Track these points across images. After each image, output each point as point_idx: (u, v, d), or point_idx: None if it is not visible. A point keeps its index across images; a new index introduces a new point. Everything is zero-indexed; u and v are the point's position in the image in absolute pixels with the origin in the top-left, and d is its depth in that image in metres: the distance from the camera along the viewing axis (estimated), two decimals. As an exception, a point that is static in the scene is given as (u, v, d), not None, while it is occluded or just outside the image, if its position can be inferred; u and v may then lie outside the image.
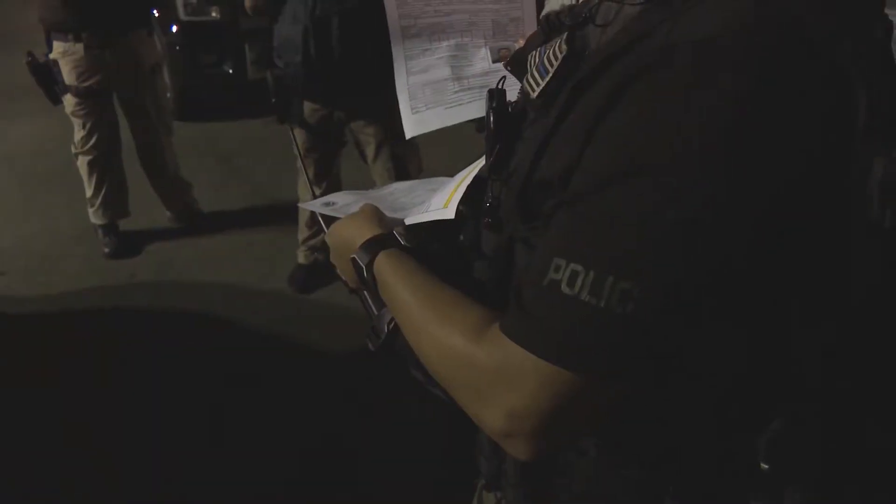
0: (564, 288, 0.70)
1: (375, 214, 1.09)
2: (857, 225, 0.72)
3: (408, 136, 1.47)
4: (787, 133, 0.66)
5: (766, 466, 0.83)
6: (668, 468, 0.89)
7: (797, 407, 0.81)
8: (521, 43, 1.24)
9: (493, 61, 1.37)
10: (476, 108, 1.36)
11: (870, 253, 0.74)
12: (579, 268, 0.69)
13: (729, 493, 0.88)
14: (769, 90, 0.66)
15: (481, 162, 1.07)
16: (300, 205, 1.56)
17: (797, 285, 0.73)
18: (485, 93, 0.98)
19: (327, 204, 1.29)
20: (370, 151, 3.43)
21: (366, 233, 1.04)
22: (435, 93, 1.41)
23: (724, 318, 0.71)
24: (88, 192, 4.13)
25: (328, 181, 3.53)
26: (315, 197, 1.64)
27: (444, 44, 1.38)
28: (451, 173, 1.17)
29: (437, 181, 1.28)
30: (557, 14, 0.94)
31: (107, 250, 4.15)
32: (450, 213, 1.04)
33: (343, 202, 1.29)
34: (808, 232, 0.70)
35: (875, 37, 0.74)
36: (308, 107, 3.36)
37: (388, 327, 1.03)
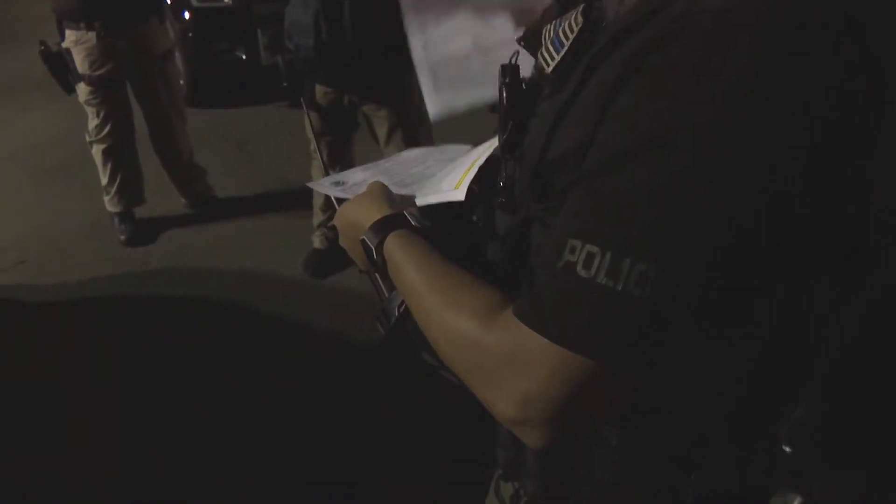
0: (580, 270, 0.67)
1: (384, 193, 1.07)
2: (881, 208, 0.70)
3: (432, 118, 1.37)
4: (807, 109, 0.63)
5: (789, 450, 0.82)
6: (690, 458, 0.87)
7: (818, 391, 0.80)
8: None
9: (516, 27, 1.31)
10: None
11: (891, 235, 0.72)
12: (595, 249, 0.67)
13: (752, 481, 0.86)
14: (791, 63, 0.62)
15: (495, 142, 1.04)
16: (309, 184, 1.51)
17: (819, 265, 0.70)
18: None
19: (337, 183, 1.27)
20: (382, 134, 3.42)
21: (375, 213, 1.02)
22: (458, 67, 1.33)
23: (745, 301, 0.69)
24: (104, 181, 4.13)
25: (342, 164, 3.50)
26: None
27: (461, 10, 1.31)
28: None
29: (450, 149, 1.25)
30: None
31: (123, 238, 4.16)
32: (460, 195, 1.01)
33: (353, 180, 1.26)
34: (829, 211, 0.67)
35: None
36: (320, 90, 3.34)
37: (398, 310, 1.01)
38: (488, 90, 1.22)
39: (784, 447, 0.82)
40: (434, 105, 1.33)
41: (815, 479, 0.83)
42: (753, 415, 0.83)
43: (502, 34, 1.25)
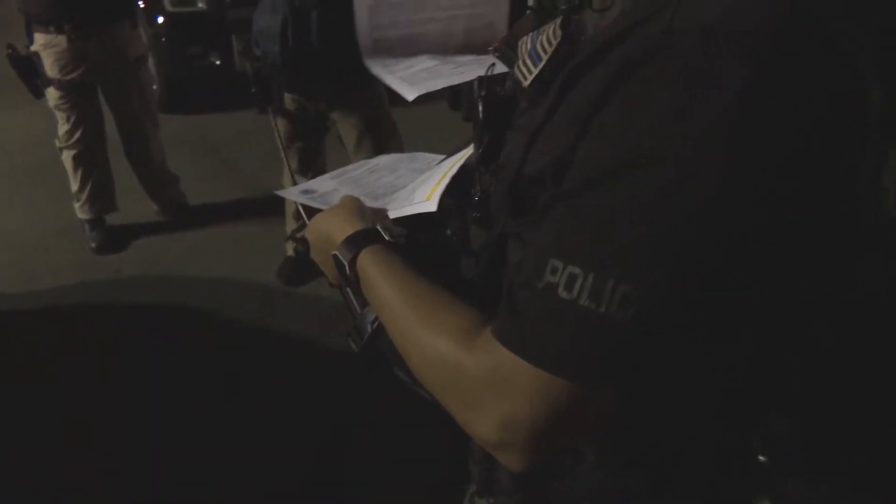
0: (562, 292, 0.66)
1: (357, 207, 1.05)
2: (869, 219, 0.69)
3: (410, 98, 1.30)
4: (793, 125, 0.62)
5: (764, 459, 0.81)
6: (668, 472, 0.86)
7: (793, 400, 0.79)
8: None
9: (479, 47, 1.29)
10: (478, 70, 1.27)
11: (881, 247, 0.71)
12: (577, 270, 0.65)
13: (728, 492, 0.86)
14: (776, 80, 0.61)
15: (468, 151, 1.03)
16: (279, 192, 1.49)
17: (803, 281, 0.69)
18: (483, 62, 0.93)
19: (306, 192, 1.25)
20: (351, 141, 3.41)
21: (347, 228, 1.00)
22: (430, 74, 1.30)
23: (728, 319, 0.68)
24: (74, 187, 4.08)
25: (314, 170, 3.49)
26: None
27: (421, 56, 1.29)
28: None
29: (421, 157, 1.24)
30: None
31: (93, 245, 4.11)
32: (432, 206, 1.00)
33: (323, 189, 1.24)
34: (817, 225, 0.66)
35: (893, 30, 0.70)
36: (288, 97, 3.33)
37: (371, 327, 1.00)
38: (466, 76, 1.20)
39: (759, 457, 0.82)
40: (410, 92, 1.29)
41: (789, 486, 0.82)
42: (730, 427, 0.82)
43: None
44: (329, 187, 1.24)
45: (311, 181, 1.32)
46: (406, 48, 1.26)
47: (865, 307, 0.75)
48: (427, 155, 1.28)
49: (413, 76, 1.25)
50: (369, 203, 1.10)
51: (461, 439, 0.92)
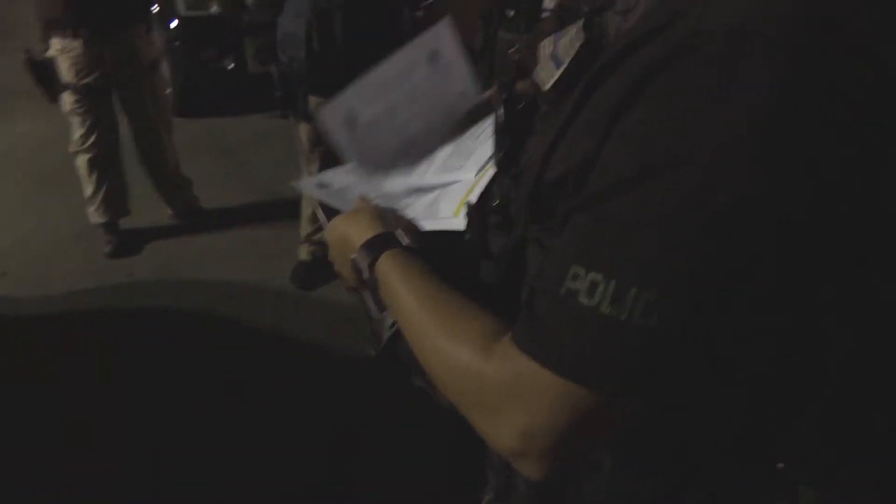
0: (583, 299, 0.65)
1: (377, 211, 1.05)
2: (892, 224, 0.67)
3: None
4: (821, 129, 0.61)
5: (782, 465, 0.81)
6: (685, 479, 0.85)
7: (812, 407, 0.78)
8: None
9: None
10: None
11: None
12: (599, 277, 0.64)
13: (748, 499, 0.85)
14: (804, 83, 0.60)
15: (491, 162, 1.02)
16: (295, 183, 1.48)
17: (825, 285, 0.68)
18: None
19: (321, 185, 1.24)
20: None
21: (367, 231, 0.99)
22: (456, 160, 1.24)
23: (749, 327, 0.67)
24: (88, 191, 4.09)
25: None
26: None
27: (420, 164, 1.23)
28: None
29: (442, 158, 1.22)
30: None
31: (107, 249, 4.11)
32: (460, 224, 0.99)
33: (339, 184, 1.23)
34: (841, 230, 0.65)
35: None
36: (313, 100, 3.32)
37: (389, 332, 0.99)
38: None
39: (777, 464, 0.81)
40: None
41: (809, 493, 0.82)
42: (748, 433, 0.81)
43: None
44: (345, 182, 1.23)
45: (327, 173, 1.30)
46: (405, 156, 1.24)
47: (885, 313, 0.74)
48: (450, 154, 1.26)
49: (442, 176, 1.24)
50: (385, 203, 1.09)
51: (474, 444, 0.92)
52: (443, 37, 1.26)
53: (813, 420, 0.79)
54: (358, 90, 1.24)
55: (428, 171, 1.19)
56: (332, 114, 1.22)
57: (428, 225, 1.04)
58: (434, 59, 1.25)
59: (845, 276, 0.68)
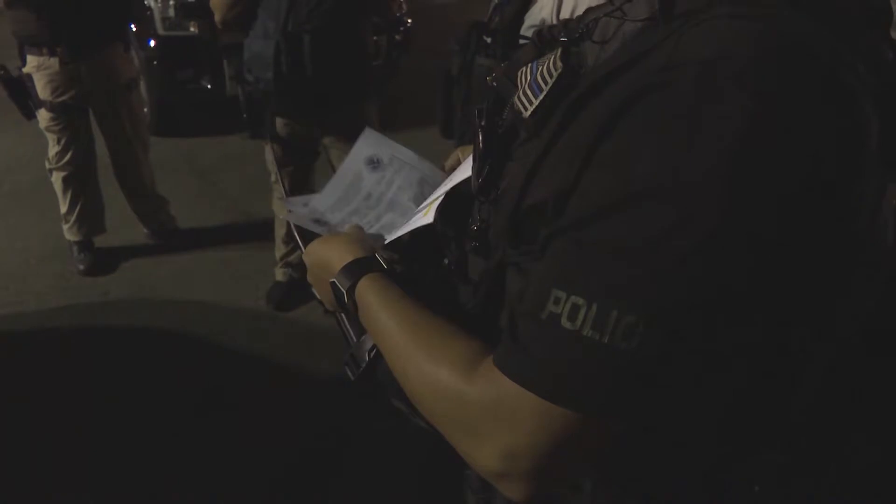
0: (565, 322, 0.66)
1: (357, 235, 1.05)
2: (866, 250, 0.69)
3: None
4: (794, 158, 0.62)
5: (758, 488, 0.82)
6: (665, 501, 0.86)
7: (789, 429, 0.80)
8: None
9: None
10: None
11: (878, 278, 0.72)
12: (580, 301, 0.66)
13: None
14: (776, 113, 0.62)
15: (465, 172, 1.03)
16: (288, 218, 1.48)
17: (802, 312, 0.70)
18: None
19: (318, 221, 1.24)
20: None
21: (346, 255, 1.00)
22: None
23: (727, 351, 0.68)
24: (63, 209, 4.06)
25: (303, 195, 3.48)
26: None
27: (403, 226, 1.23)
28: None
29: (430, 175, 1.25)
30: (550, 29, 0.90)
31: (81, 267, 4.08)
32: (429, 219, 1.01)
33: (334, 221, 1.24)
34: (817, 257, 0.66)
35: (885, 60, 0.71)
36: (280, 121, 3.34)
37: (368, 355, 0.99)
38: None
39: (754, 486, 0.82)
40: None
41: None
42: (725, 456, 0.82)
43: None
44: (338, 219, 1.24)
45: (318, 202, 1.31)
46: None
47: (862, 337, 0.76)
48: (435, 171, 1.29)
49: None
50: (370, 229, 1.10)
51: (452, 466, 0.92)
52: (372, 142, 1.33)
53: (788, 444, 0.81)
54: (316, 203, 1.29)
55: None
56: (299, 217, 1.26)
57: (400, 229, 1.05)
58: (374, 165, 1.30)
59: (821, 301, 0.70)
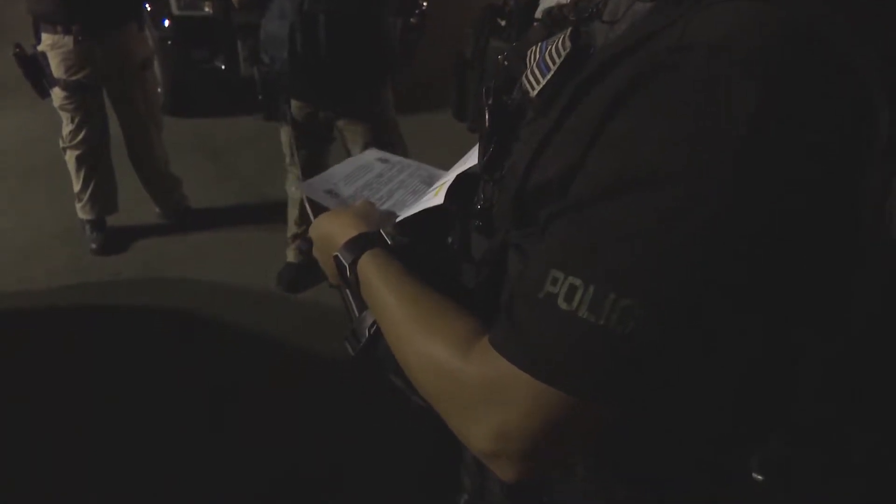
0: (561, 303, 0.65)
1: (364, 209, 1.05)
2: (871, 242, 0.68)
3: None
4: (802, 145, 0.61)
5: (760, 478, 0.81)
6: (661, 487, 0.86)
7: (791, 418, 0.79)
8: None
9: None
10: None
11: (881, 271, 0.71)
12: (578, 282, 0.65)
13: None
14: (786, 99, 0.61)
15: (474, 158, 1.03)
16: (301, 187, 1.49)
17: (804, 302, 0.69)
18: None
19: (330, 192, 1.24)
20: (356, 150, 3.40)
21: (351, 230, 1.00)
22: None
23: (726, 337, 0.67)
24: (76, 187, 4.07)
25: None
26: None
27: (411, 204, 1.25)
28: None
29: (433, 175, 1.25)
30: (561, 8, 0.89)
31: (93, 246, 4.10)
32: (439, 200, 1.01)
33: (346, 193, 1.24)
34: (820, 246, 0.66)
35: None
36: (295, 103, 3.33)
37: (369, 331, 0.99)
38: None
39: (755, 475, 0.82)
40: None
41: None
42: (725, 444, 0.82)
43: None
44: (350, 191, 1.25)
45: (331, 175, 1.31)
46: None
47: (864, 328, 0.75)
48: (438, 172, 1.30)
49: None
50: (382, 205, 1.11)
51: (449, 446, 0.92)
52: (378, 152, 1.36)
53: (789, 432, 0.80)
54: (331, 173, 1.30)
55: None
56: (313, 189, 1.26)
57: (411, 209, 1.05)
58: (386, 161, 1.33)
59: (821, 291, 0.69)
